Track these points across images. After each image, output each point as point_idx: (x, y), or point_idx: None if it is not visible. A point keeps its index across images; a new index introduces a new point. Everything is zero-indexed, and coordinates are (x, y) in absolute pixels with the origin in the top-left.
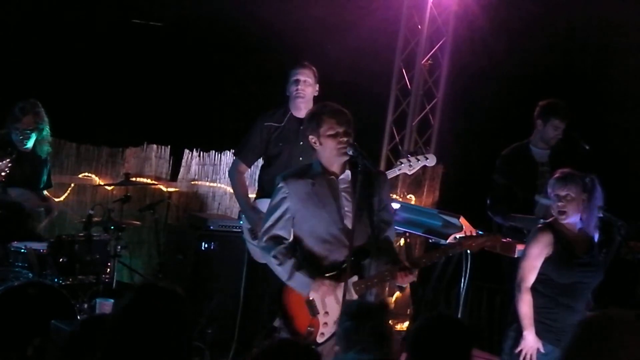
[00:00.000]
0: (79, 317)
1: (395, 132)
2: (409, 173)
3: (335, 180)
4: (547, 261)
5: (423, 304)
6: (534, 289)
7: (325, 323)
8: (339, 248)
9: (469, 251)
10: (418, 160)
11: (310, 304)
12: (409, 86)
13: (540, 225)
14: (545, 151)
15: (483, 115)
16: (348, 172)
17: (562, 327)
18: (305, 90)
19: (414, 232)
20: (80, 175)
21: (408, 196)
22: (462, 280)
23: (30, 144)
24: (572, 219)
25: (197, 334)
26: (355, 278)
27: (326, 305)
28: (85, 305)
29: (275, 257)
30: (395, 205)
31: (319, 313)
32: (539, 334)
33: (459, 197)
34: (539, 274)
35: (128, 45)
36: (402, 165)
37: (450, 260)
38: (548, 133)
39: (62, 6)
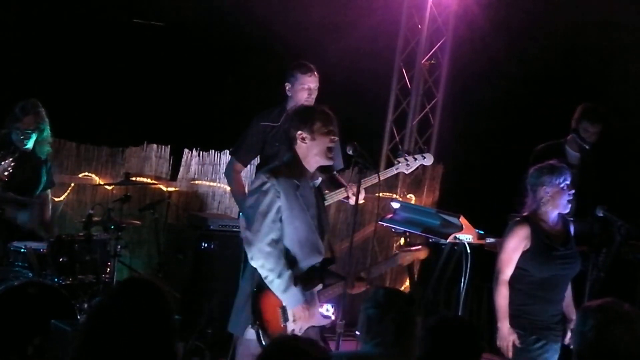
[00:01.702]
0: (78, 318)
1: (395, 132)
2: (407, 172)
3: (312, 185)
4: (525, 255)
5: (423, 303)
6: (511, 286)
7: (293, 331)
8: (314, 254)
9: (468, 251)
10: (415, 159)
11: (283, 310)
12: (409, 86)
13: (517, 219)
14: (577, 154)
15: (483, 115)
16: (320, 179)
17: (543, 320)
18: (311, 99)
19: (413, 231)
20: (80, 175)
21: (408, 196)
22: (462, 280)
23: (30, 144)
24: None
25: (197, 333)
26: (320, 286)
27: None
28: (85, 305)
29: (275, 270)
30: (395, 205)
31: (288, 321)
32: (522, 327)
33: (459, 197)
34: (518, 268)
35: (129, 45)
36: (400, 164)
37: (450, 260)
38: (590, 137)
39: (62, 6)
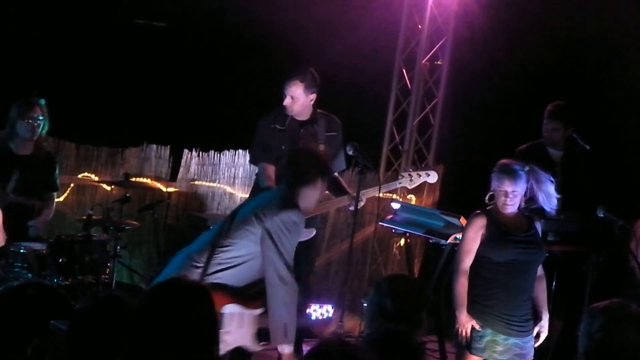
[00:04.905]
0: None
1: (395, 132)
2: (409, 187)
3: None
4: (483, 242)
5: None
6: (476, 272)
7: (224, 341)
8: None
9: None
10: (419, 176)
11: (221, 316)
12: (409, 86)
13: (476, 211)
14: (558, 152)
15: (483, 115)
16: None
17: (502, 312)
18: (292, 107)
19: (414, 232)
20: (79, 175)
21: (408, 196)
22: None
23: (39, 131)
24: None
25: None
26: (260, 310)
27: (231, 325)
28: None
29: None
30: (396, 206)
31: (220, 329)
32: (476, 315)
33: (459, 197)
34: (480, 256)
35: (129, 46)
36: (403, 179)
37: (451, 261)
38: (548, 134)
39: (64, 6)
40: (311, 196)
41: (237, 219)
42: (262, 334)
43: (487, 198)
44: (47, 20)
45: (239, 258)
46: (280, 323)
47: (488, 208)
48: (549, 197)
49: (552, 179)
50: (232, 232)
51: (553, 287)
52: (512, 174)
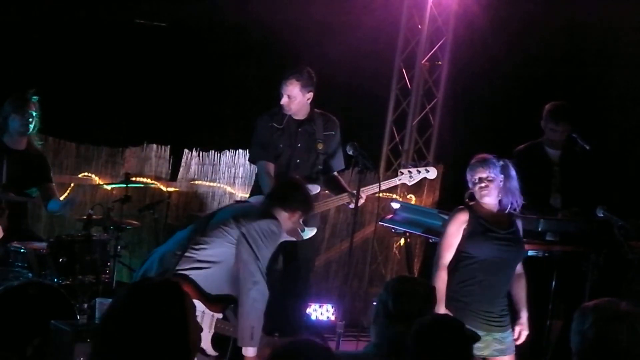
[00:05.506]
0: (78, 317)
1: (395, 132)
2: (409, 184)
3: None
4: (464, 237)
5: None
6: (455, 268)
7: None
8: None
9: None
10: (419, 172)
11: None
12: (409, 86)
13: (459, 207)
14: (556, 152)
15: (483, 115)
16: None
17: (476, 303)
18: (289, 106)
19: (414, 232)
20: (80, 175)
21: (408, 196)
22: None
23: (32, 127)
24: (492, 200)
25: None
26: (220, 315)
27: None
28: (85, 305)
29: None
30: (395, 205)
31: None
32: (454, 311)
33: (459, 197)
34: (461, 252)
35: (130, 46)
36: (403, 175)
37: None
38: (548, 135)
39: (64, 5)
40: (285, 221)
41: (214, 220)
42: (219, 341)
43: (466, 196)
44: (48, 20)
45: (212, 257)
46: (248, 326)
47: (470, 204)
48: (512, 193)
49: (516, 181)
50: (209, 230)
51: (553, 287)
52: (483, 161)
